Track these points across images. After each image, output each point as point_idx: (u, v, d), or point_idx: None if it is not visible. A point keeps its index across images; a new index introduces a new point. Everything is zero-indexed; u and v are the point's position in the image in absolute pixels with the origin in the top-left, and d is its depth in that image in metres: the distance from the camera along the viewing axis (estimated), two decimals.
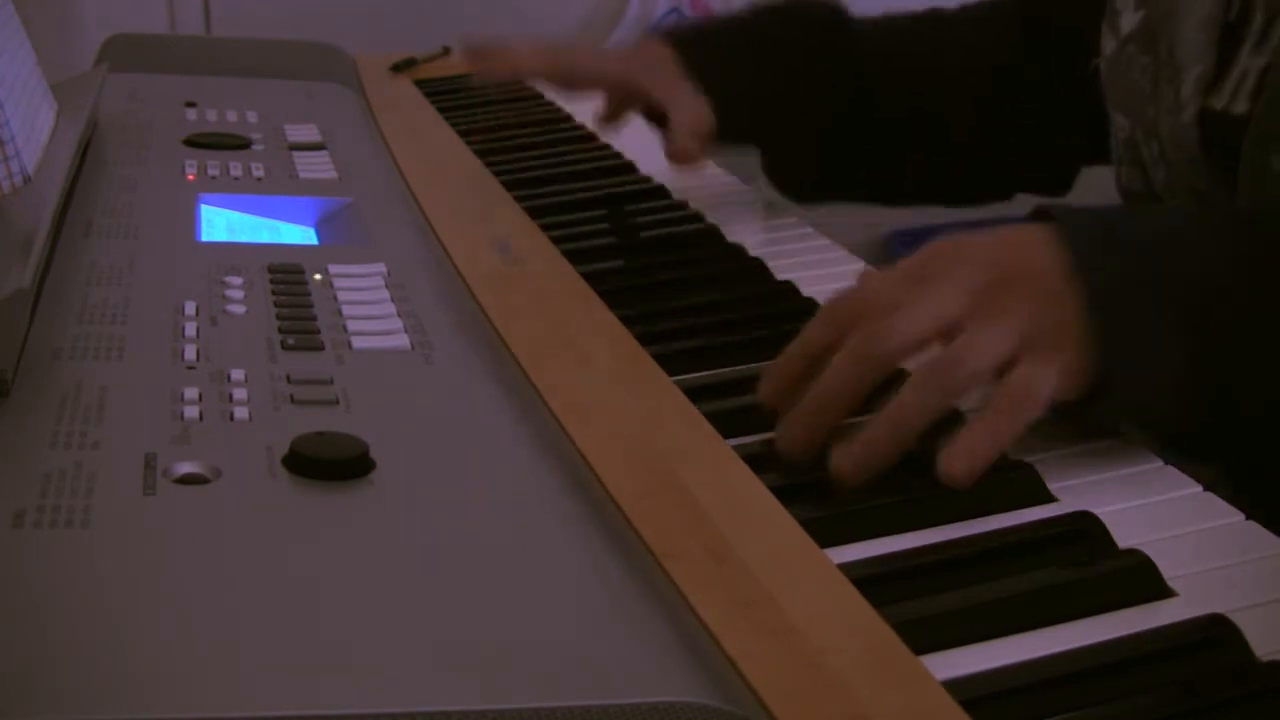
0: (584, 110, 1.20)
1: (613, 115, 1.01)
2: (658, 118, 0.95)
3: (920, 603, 0.51)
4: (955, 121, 0.98)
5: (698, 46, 0.93)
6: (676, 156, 0.90)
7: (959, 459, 0.57)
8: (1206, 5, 0.76)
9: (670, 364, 0.68)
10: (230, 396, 0.57)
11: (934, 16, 1.01)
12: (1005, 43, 0.99)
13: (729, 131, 0.92)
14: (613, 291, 0.77)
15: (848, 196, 1.03)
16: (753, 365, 0.71)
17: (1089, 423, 0.62)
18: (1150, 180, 0.82)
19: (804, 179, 0.99)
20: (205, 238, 0.78)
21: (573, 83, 1.00)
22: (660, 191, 0.98)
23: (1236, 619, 0.50)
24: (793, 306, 0.79)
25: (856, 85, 0.96)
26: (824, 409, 0.60)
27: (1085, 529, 0.56)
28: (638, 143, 1.04)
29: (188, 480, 0.50)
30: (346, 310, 0.67)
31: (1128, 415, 0.62)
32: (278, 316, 0.66)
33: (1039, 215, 0.63)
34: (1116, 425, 0.62)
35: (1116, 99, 0.84)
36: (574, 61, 0.96)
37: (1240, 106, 0.74)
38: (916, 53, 0.99)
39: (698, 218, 0.93)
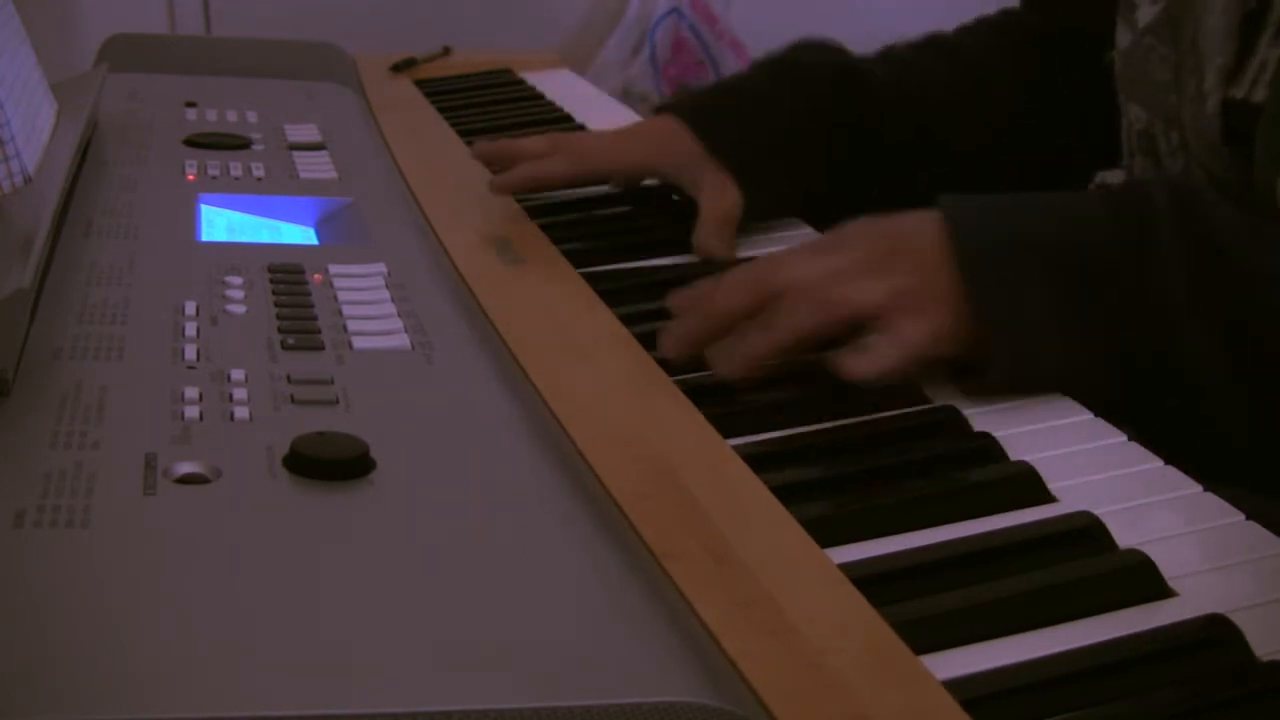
0: (584, 110, 1.20)
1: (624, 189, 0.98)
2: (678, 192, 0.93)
3: (920, 603, 0.51)
4: (965, 143, 0.97)
5: (712, 121, 0.90)
6: (708, 251, 0.86)
7: (856, 364, 0.65)
8: None
9: (670, 364, 0.68)
10: (230, 396, 0.57)
11: (935, 43, 1.00)
12: (1010, 57, 0.98)
13: (755, 208, 0.89)
14: (613, 291, 0.77)
15: None
16: None
17: (990, 386, 0.66)
18: (1163, 170, 0.83)
19: (824, 216, 0.94)
20: (205, 238, 0.78)
21: (595, 180, 0.96)
22: (660, 191, 0.98)
23: (1236, 619, 0.50)
24: None
25: (869, 130, 0.94)
26: (709, 319, 0.69)
27: (1085, 529, 0.56)
28: None
29: (188, 480, 0.50)
30: (346, 310, 0.68)
31: (1013, 374, 0.66)
32: (278, 316, 0.66)
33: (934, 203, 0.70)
34: (1013, 386, 0.66)
35: (1132, 91, 0.85)
36: (593, 160, 0.93)
37: (1259, 95, 0.75)
38: (924, 83, 0.97)
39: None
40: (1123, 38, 0.85)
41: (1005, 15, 1.01)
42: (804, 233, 0.91)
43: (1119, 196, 0.69)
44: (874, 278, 0.67)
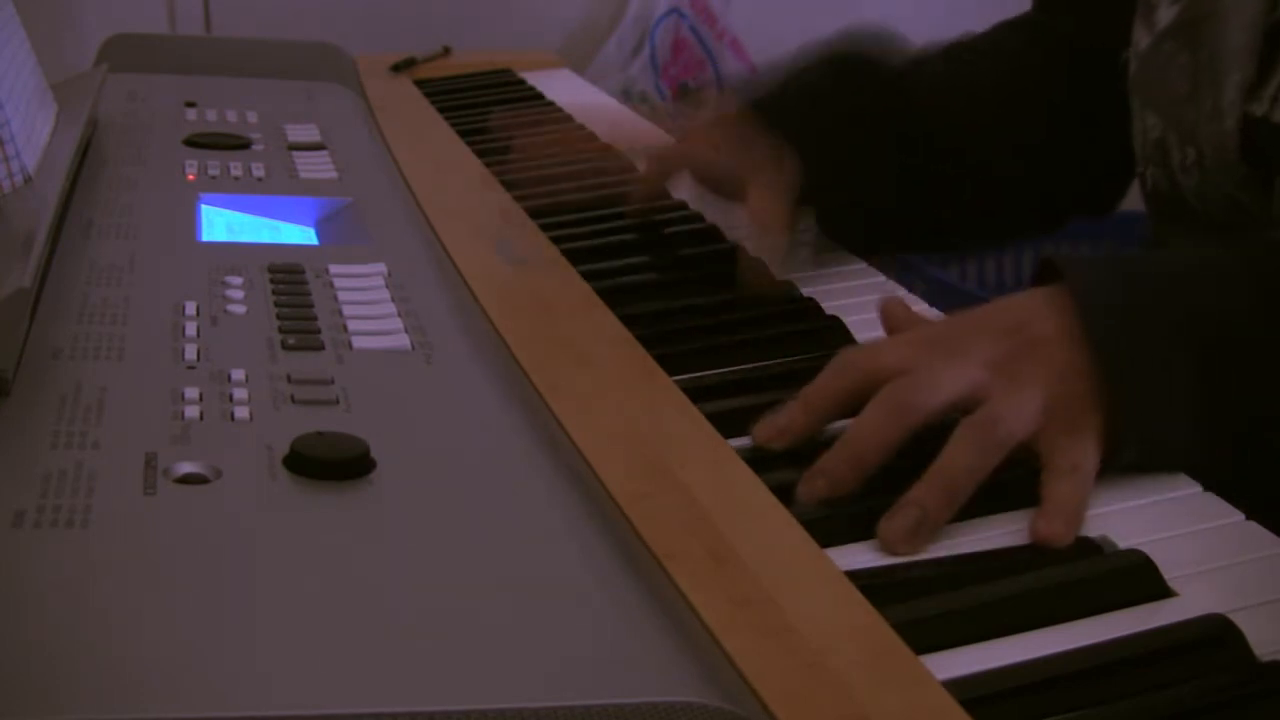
0: (584, 110, 1.20)
1: (657, 187, 0.94)
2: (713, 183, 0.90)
3: (920, 603, 0.51)
4: (1011, 162, 0.93)
5: (768, 109, 0.86)
6: (760, 211, 0.82)
7: (1054, 521, 0.57)
8: (1251, 6, 0.74)
9: (670, 364, 0.68)
10: (230, 396, 0.57)
11: (963, 53, 0.95)
12: (1030, 61, 0.95)
13: (806, 196, 0.84)
14: (613, 291, 0.77)
15: (904, 247, 0.99)
16: (752, 365, 0.71)
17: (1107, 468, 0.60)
18: (1176, 184, 0.80)
19: (862, 234, 0.91)
20: (205, 238, 0.78)
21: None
22: (659, 192, 0.98)
23: (1236, 619, 0.50)
24: (793, 307, 0.79)
25: (916, 139, 0.89)
26: (858, 458, 0.58)
27: (1085, 530, 0.56)
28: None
29: (188, 480, 0.50)
30: (346, 310, 0.67)
31: (1148, 464, 0.60)
32: (278, 316, 0.66)
33: (1045, 271, 0.63)
34: (1137, 468, 0.61)
35: (1149, 97, 0.81)
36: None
37: None
38: (963, 99, 0.93)
39: (698, 218, 0.93)
40: (1141, 39, 0.81)
41: (1023, 18, 0.98)
42: (804, 230, 0.91)
43: (1250, 266, 0.63)
44: (1017, 391, 0.59)
